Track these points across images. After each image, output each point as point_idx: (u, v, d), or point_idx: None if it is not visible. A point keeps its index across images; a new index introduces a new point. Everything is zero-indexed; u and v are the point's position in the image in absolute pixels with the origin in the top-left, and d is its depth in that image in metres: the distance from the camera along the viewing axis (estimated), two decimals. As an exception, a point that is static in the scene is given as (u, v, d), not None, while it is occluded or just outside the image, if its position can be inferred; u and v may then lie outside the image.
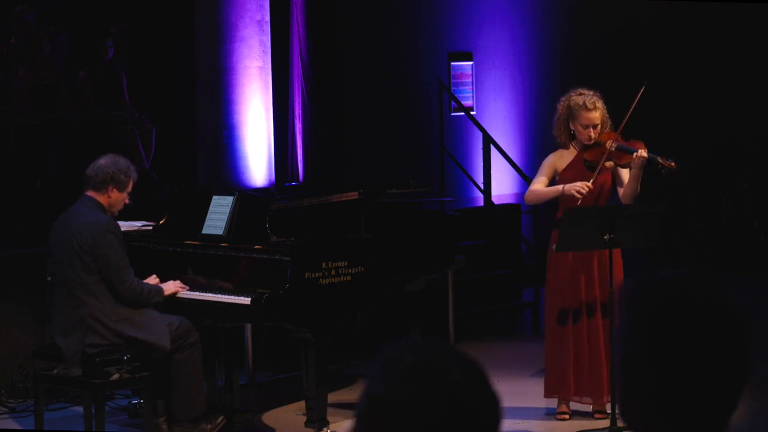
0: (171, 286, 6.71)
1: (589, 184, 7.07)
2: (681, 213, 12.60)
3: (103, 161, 6.63)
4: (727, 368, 1.87)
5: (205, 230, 6.96)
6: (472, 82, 12.79)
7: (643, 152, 7.02)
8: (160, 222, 7.26)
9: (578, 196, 7.07)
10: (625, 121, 7.17)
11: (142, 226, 7.31)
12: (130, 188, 6.64)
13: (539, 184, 7.29)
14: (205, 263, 6.89)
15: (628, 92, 7.22)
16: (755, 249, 12.76)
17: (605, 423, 7.06)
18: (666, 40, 13.64)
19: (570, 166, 7.23)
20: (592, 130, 7.16)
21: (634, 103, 7.11)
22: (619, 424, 6.81)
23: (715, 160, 13.36)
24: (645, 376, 1.88)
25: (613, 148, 7.13)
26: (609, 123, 7.24)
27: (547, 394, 7.34)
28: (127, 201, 6.66)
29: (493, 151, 11.32)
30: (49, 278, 7.07)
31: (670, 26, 13.72)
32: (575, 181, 7.13)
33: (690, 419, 1.87)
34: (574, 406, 7.35)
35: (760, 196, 12.98)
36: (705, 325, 1.87)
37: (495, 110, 12.97)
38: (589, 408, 7.31)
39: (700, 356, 1.86)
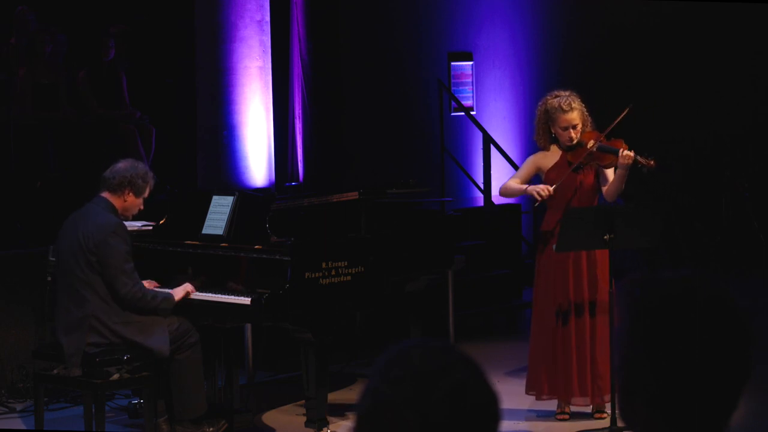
0: (180, 291, 6.66)
1: (551, 188, 7.06)
2: (681, 213, 12.60)
3: (121, 165, 6.67)
4: (728, 368, 1.87)
5: (205, 230, 6.96)
6: (472, 82, 12.79)
7: (628, 152, 7.00)
8: (160, 222, 7.26)
9: (537, 198, 7.08)
10: (608, 130, 7.14)
11: (142, 226, 7.31)
12: (146, 194, 6.67)
13: (513, 180, 7.31)
14: (205, 263, 6.88)
15: (627, 92, 7.22)
16: (755, 249, 12.76)
17: (605, 423, 7.06)
18: (666, 40, 13.64)
19: (555, 167, 7.21)
20: (572, 131, 7.13)
21: (617, 120, 7.08)
22: (619, 424, 6.81)
23: (714, 161, 13.37)
24: (645, 376, 1.88)
25: (595, 149, 7.11)
26: (590, 121, 7.22)
27: (532, 392, 7.31)
28: (141, 207, 6.69)
29: (493, 151, 11.33)
30: (49, 278, 7.06)
31: (671, 26, 13.72)
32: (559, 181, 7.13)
33: (690, 419, 1.87)
34: (575, 406, 7.35)
35: (759, 197, 12.98)
36: (706, 325, 1.87)
37: (495, 110, 12.97)
38: (589, 408, 7.30)
39: (701, 356, 1.86)
